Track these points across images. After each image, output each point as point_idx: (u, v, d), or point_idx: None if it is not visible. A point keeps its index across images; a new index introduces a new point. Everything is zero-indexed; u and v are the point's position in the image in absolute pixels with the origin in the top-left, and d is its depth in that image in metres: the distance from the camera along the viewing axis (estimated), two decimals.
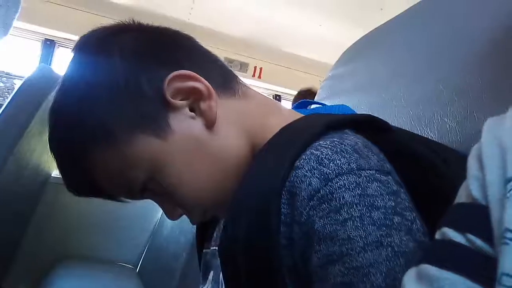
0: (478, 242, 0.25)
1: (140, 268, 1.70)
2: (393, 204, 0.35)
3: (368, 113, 0.44)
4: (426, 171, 0.40)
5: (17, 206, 1.33)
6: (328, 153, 0.37)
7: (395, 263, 0.32)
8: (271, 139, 0.43)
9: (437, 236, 0.28)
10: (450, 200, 0.37)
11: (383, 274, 0.32)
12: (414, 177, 0.39)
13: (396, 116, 0.58)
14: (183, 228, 1.28)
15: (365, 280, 0.32)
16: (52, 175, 1.60)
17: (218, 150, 0.45)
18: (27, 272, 1.53)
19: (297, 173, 0.37)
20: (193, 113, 0.45)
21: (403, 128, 0.47)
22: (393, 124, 0.47)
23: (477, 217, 0.26)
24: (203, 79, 0.45)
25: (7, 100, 1.15)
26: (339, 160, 0.36)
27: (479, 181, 0.27)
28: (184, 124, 0.44)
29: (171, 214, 0.48)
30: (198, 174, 0.45)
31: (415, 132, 0.46)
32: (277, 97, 3.58)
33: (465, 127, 0.49)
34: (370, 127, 0.43)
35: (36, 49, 2.82)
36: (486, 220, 0.25)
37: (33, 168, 1.34)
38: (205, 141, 0.45)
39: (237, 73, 0.52)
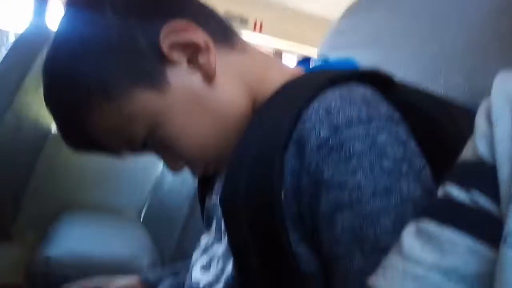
0: (482, 200, 0.25)
1: (143, 217, 1.75)
2: (402, 152, 0.36)
3: (379, 70, 0.43)
4: (432, 127, 0.40)
5: (19, 159, 1.35)
6: (337, 104, 0.37)
7: (403, 209, 0.33)
8: (273, 94, 0.43)
9: (440, 193, 0.28)
10: (457, 157, 0.37)
11: (392, 219, 0.33)
12: (420, 133, 0.39)
13: (402, 72, 0.57)
14: (185, 180, 1.30)
15: (374, 225, 0.33)
16: (52, 130, 1.61)
17: (218, 104, 0.45)
18: (34, 221, 1.58)
19: (305, 124, 0.37)
20: (191, 67, 0.44)
21: (410, 83, 0.46)
22: (398, 80, 0.46)
23: (483, 175, 0.26)
24: (200, 32, 0.43)
25: (2, 56, 1.13)
26: (349, 110, 0.36)
27: (487, 138, 0.26)
28: (183, 78, 0.44)
29: (172, 167, 0.48)
30: (198, 128, 0.45)
31: (423, 87, 0.45)
32: (278, 53, 3.49)
33: (473, 83, 0.48)
34: (376, 81, 0.42)
35: (29, 3, 2.71)
36: (492, 178, 0.25)
37: (32, 123, 1.33)
38: (205, 95, 0.44)
39: (236, 26, 0.50)
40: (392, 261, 0.27)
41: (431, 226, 0.26)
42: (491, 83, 0.30)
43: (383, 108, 0.38)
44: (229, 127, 0.45)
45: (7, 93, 1.04)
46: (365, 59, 0.65)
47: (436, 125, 0.40)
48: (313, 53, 0.58)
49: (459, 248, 0.24)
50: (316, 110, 0.37)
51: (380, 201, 0.33)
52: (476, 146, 0.27)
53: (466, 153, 0.29)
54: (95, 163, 1.67)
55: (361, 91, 0.39)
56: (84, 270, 1.10)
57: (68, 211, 1.56)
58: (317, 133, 0.36)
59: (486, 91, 0.30)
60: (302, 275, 0.37)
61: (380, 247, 0.33)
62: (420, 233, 0.26)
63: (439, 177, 0.35)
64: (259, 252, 0.38)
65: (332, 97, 0.38)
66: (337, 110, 0.36)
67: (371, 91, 0.40)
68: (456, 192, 0.26)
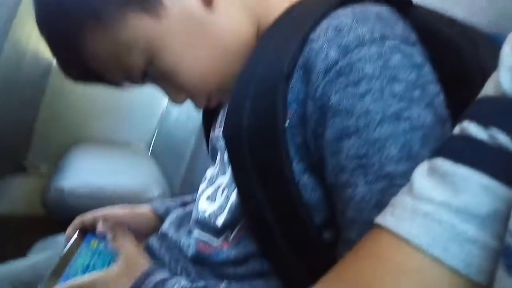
0: (501, 137, 0.23)
1: (152, 150, 1.78)
2: (416, 77, 0.33)
3: None
4: (450, 52, 0.37)
5: (24, 92, 1.34)
6: (347, 22, 0.34)
7: (412, 136, 0.32)
8: (278, 17, 0.40)
9: (456, 130, 0.26)
10: (476, 87, 0.35)
11: (399, 146, 0.32)
12: (437, 59, 0.36)
13: None
14: (190, 114, 1.30)
15: (381, 152, 0.32)
16: (54, 62, 1.57)
17: (218, 29, 0.42)
18: (46, 153, 1.62)
19: (312, 46, 0.34)
20: None
21: (430, 7, 0.42)
22: (418, 2, 0.42)
23: (504, 112, 0.24)
24: None
25: None
26: (361, 29, 0.34)
27: None
28: (179, 1, 0.41)
29: (174, 99, 0.47)
30: (198, 56, 0.42)
31: (443, 12, 0.42)
32: None
33: (497, 6, 0.44)
34: (393, 3, 0.39)
35: None
36: None
37: (32, 54, 1.30)
38: (204, 20, 0.42)
39: None
40: (402, 199, 0.26)
41: (445, 164, 0.24)
42: None
43: (399, 27, 0.35)
44: (231, 55, 0.43)
45: (1, 24, 1.00)
46: None
47: (455, 52, 0.37)
48: None
49: (473, 186, 0.23)
50: (324, 30, 0.34)
51: (388, 127, 0.32)
52: (500, 80, 0.24)
53: (488, 88, 0.26)
54: (102, 96, 1.66)
55: (376, 9, 0.36)
56: (96, 201, 1.14)
57: (78, 144, 1.59)
58: (325, 55, 0.34)
59: (510, 16, 0.27)
60: (305, 205, 0.37)
61: (384, 174, 0.32)
62: (433, 172, 0.25)
63: (453, 108, 0.34)
64: (262, 183, 0.38)
65: (343, 15, 0.35)
66: (348, 29, 0.34)
67: (387, 8, 0.37)
68: (474, 129, 0.24)
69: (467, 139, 0.25)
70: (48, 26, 0.43)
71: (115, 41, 0.41)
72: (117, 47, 0.41)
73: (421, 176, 0.26)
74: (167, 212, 0.63)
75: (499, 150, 0.23)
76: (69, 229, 0.62)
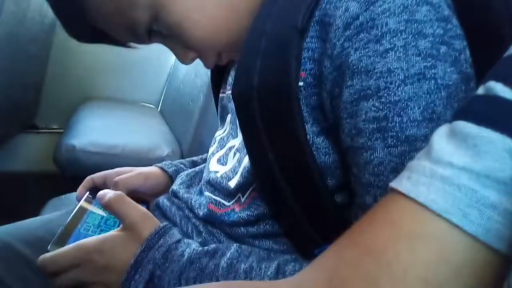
0: None
1: (161, 108, 1.77)
2: (442, 31, 0.31)
3: None
4: (480, 7, 0.34)
5: (29, 49, 1.32)
6: None
7: (436, 96, 0.30)
8: None
9: (480, 91, 0.24)
10: (504, 38, 0.32)
11: (421, 107, 0.30)
12: (463, 7, 0.33)
13: None
14: (198, 71, 1.27)
15: (402, 114, 0.30)
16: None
17: None
18: (56, 112, 1.62)
19: None
20: None
21: None
22: None
23: None
24: None
25: None
26: None
27: None
28: None
29: (182, 57, 0.45)
30: (206, 9, 0.40)
31: None
32: None
33: None
34: None
35: None
36: None
37: (35, 9, 1.26)
38: None
39: None
40: (419, 162, 0.24)
41: (467, 126, 0.23)
42: None
43: None
44: (240, 6, 0.41)
45: None
46: None
47: (484, 5, 0.34)
48: None
49: (497, 150, 0.21)
50: None
51: (411, 87, 0.30)
52: None
53: None
54: (109, 54, 1.64)
55: None
56: (107, 158, 1.15)
57: (87, 102, 1.58)
58: (345, 8, 0.31)
59: None
60: (319, 168, 0.36)
61: (404, 138, 0.30)
62: (454, 134, 0.23)
63: (480, 64, 0.32)
64: (274, 145, 0.37)
65: None
66: None
67: None
68: (500, 89, 0.22)
69: (492, 100, 0.23)
70: None
71: None
72: (121, 3, 0.39)
73: (440, 138, 0.24)
74: (177, 172, 0.63)
75: None
76: (80, 189, 0.63)
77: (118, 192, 0.47)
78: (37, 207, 0.89)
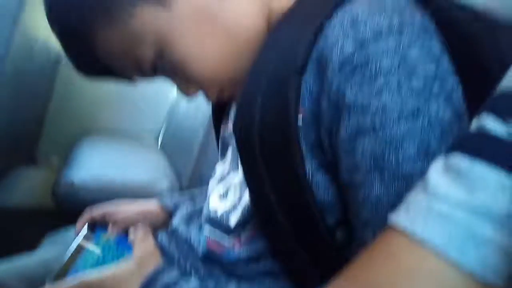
0: None
1: (161, 142, 1.78)
2: (434, 70, 0.32)
3: None
4: (469, 43, 0.35)
5: (34, 83, 1.34)
6: (364, 12, 0.32)
7: (430, 133, 0.30)
8: (290, 8, 0.39)
9: (474, 125, 0.25)
10: (494, 76, 0.33)
11: (416, 144, 0.30)
12: (455, 51, 0.34)
13: None
14: (200, 105, 1.29)
15: (397, 151, 0.30)
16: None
17: (228, 20, 0.41)
18: (56, 145, 1.63)
19: (326, 38, 0.33)
20: None
21: None
22: None
23: None
24: None
25: None
26: (378, 19, 0.32)
27: None
28: None
29: (185, 92, 0.46)
30: (208, 47, 0.41)
31: (463, 2, 0.40)
32: None
33: None
34: None
35: None
36: None
37: (42, 44, 1.30)
38: (214, 9, 0.40)
39: None
40: (416, 197, 0.25)
41: (461, 161, 0.23)
42: None
43: (417, 17, 0.33)
44: (241, 46, 0.42)
45: (10, 14, 1.00)
46: None
47: (474, 45, 0.35)
48: None
49: (490, 185, 0.22)
50: (340, 22, 0.33)
51: (406, 124, 0.30)
52: None
53: (508, 80, 0.25)
54: (111, 88, 1.66)
55: None
56: (106, 194, 1.15)
57: (88, 136, 1.59)
58: (340, 48, 0.32)
59: None
60: (318, 205, 0.36)
61: (401, 175, 0.30)
62: (449, 169, 0.24)
63: (471, 102, 0.32)
64: (274, 181, 0.37)
65: (359, 5, 0.33)
66: (365, 20, 0.32)
67: None
68: (492, 123, 0.23)
69: (485, 134, 0.23)
70: (59, 21, 0.42)
71: (125, 33, 0.40)
72: (128, 40, 0.40)
73: (436, 172, 0.25)
74: (176, 208, 0.62)
75: None
76: (79, 223, 0.62)
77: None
78: (34, 242, 0.87)
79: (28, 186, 1.47)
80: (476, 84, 0.33)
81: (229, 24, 0.41)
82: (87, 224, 0.61)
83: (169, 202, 0.64)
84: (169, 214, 0.63)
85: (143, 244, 0.47)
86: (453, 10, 0.38)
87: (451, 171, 0.23)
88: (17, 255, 0.60)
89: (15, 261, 0.58)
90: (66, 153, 1.44)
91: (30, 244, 0.84)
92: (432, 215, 0.23)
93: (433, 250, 0.22)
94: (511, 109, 0.23)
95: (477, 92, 0.29)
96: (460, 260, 0.21)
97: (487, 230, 0.21)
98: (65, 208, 1.14)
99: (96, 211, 0.63)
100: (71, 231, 0.66)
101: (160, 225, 0.62)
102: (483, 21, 0.37)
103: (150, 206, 0.64)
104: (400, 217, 0.24)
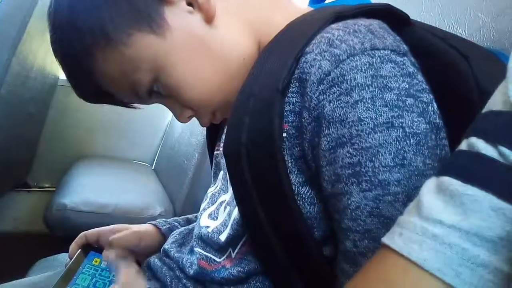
0: None
1: (155, 166, 1.78)
2: (407, 86, 0.34)
3: (391, 5, 0.40)
4: (444, 68, 0.37)
5: (28, 109, 1.35)
6: (339, 34, 0.35)
7: (405, 143, 0.32)
8: (275, 36, 0.41)
9: (463, 146, 0.25)
10: (471, 101, 0.35)
11: (392, 153, 0.32)
12: (431, 73, 0.36)
13: (423, 10, 0.52)
14: (194, 130, 1.30)
15: (373, 159, 0.32)
16: (60, 77, 1.59)
17: (220, 46, 0.43)
18: (49, 170, 1.62)
19: (306, 58, 0.35)
20: (190, 7, 0.42)
21: (431, 23, 0.43)
22: (418, 19, 0.43)
23: None
24: None
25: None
26: (352, 40, 0.34)
27: None
28: (182, 19, 0.42)
29: (180, 116, 0.48)
30: (201, 72, 0.43)
31: (444, 28, 0.42)
32: None
33: (501, 23, 0.44)
34: (387, 18, 0.40)
35: None
36: None
37: (39, 70, 1.31)
38: (206, 36, 0.42)
39: None
40: (410, 218, 0.25)
41: (453, 184, 0.24)
42: None
43: (390, 39, 0.36)
44: (233, 70, 0.44)
45: (10, 41, 1.01)
46: None
47: (448, 68, 0.37)
48: None
49: (483, 208, 0.22)
50: (317, 43, 0.35)
51: (381, 135, 0.32)
52: (508, 94, 0.23)
53: (495, 101, 0.25)
54: (105, 113, 1.67)
55: (367, 22, 0.37)
56: (98, 218, 1.14)
57: (81, 161, 1.59)
58: (318, 66, 0.34)
59: None
60: (305, 219, 0.37)
61: (378, 183, 0.32)
62: (441, 190, 0.24)
63: (451, 120, 0.34)
64: (262, 198, 0.37)
65: (335, 29, 0.36)
66: (340, 40, 0.34)
67: (378, 22, 0.38)
68: (482, 146, 0.23)
69: (475, 157, 0.24)
70: (62, 49, 0.44)
71: (123, 60, 0.42)
72: (125, 66, 0.42)
73: (429, 194, 0.25)
74: (170, 231, 0.62)
75: (510, 169, 0.22)
76: (72, 245, 0.62)
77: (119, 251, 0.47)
78: (25, 267, 0.86)
79: (20, 211, 1.45)
80: (454, 105, 0.35)
81: (221, 52, 0.43)
82: (80, 249, 0.60)
83: (164, 225, 0.64)
84: (164, 237, 0.62)
85: (127, 270, 0.47)
86: (430, 36, 0.40)
87: (444, 193, 0.24)
88: (8, 280, 0.59)
89: (6, 286, 0.57)
90: (59, 178, 1.43)
91: (22, 269, 0.83)
92: (427, 237, 0.23)
93: (428, 273, 0.22)
94: (500, 132, 0.23)
95: (455, 113, 0.31)
96: (455, 283, 0.22)
97: (482, 253, 0.22)
98: (57, 232, 1.12)
99: (90, 234, 0.63)
100: (62, 256, 0.65)
101: (155, 248, 0.62)
102: (456, 48, 0.39)
103: (146, 228, 0.64)
104: (395, 239, 0.25)
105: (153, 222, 0.65)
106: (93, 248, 0.62)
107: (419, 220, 0.24)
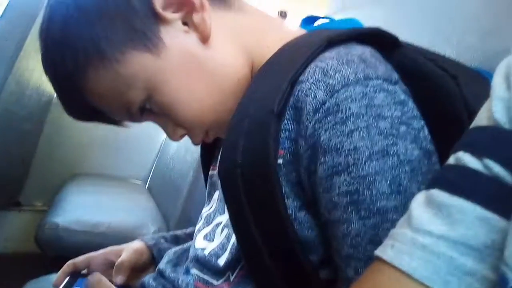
0: (497, 168, 0.23)
1: (149, 185, 1.77)
2: (400, 113, 0.35)
3: (382, 27, 0.41)
4: (433, 88, 0.38)
5: (23, 126, 1.35)
6: (333, 64, 0.36)
7: (400, 170, 0.33)
8: (270, 58, 0.42)
9: (451, 161, 0.26)
10: (461, 120, 0.36)
11: (388, 181, 0.32)
12: (421, 94, 0.37)
13: (412, 32, 0.54)
14: (189, 148, 1.30)
15: (371, 187, 0.32)
16: (55, 96, 1.59)
17: (215, 66, 0.44)
18: (41, 189, 1.60)
19: (301, 87, 0.36)
20: (186, 27, 0.43)
21: (420, 44, 0.44)
22: (408, 40, 0.44)
23: (498, 142, 0.24)
24: None
25: None
26: (345, 70, 0.35)
27: (505, 102, 0.24)
28: (178, 38, 0.42)
29: (172, 134, 0.48)
30: (195, 92, 0.44)
31: (432, 49, 0.43)
32: (283, 14, 3.38)
33: (487, 44, 0.45)
34: (377, 41, 0.41)
35: None
36: (509, 145, 0.23)
37: (34, 88, 1.32)
38: (201, 56, 0.43)
39: None
40: (401, 230, 0.26)
41: (441, 195, 0.25)
42: (508, 45, 0.27)
43: (381, 68, 0.37)
44: (226, 91, 0.44)
45: (6, 59, 1.02)
46: (374, 18, 0.62)
47: (438, 90, 0.38)
48: (320, 14, 0.55)
49: (469, 218, 0.23)
50: (312, 72, 0.36)
51: (377, 163, 0.33)
52: (492, 110, 0.25)
53: (481, 117, 0.27)
54: (100, 131, 1.67)
55: (359, 51, 0.38)
56: (91, 237, 1.12)
57: (74, 179, 1.57)
58: (314, 95, 0.35)
59: (501, 54, 0.28)
60: (302, 243, 0.37)
61: (376, 210, 0.32)
62: (430, 203, 0.25)
63: (441, 139, 0.35)
64: (258, 221, 0.38)
65: (329, 58, 0.36)
66: (334, 71, 0.35)
67: (370, 50, 0.39)
68: (468, 159, 0.25)
69: (462, 169, 0.25)
70: (52, 62, 0.44)
71: (117, 78, 0.42)
72: (119, 84, 0.42)
73: (418, 206, 0.26)
74: (157, 244, 0.62)
75: (494, 180, 0.23)
76: (59, 274, 0.60)
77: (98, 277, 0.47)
78: None
79: (10, 231, 1.43)
80: (444, 126, 0.36)
81: (216, 71, 0.44)
82: (68, 277, 0.59)
83: (149, 239, 0.64)
84: (150, 250, 0.62)
85: None
86: (419, 58, 0.41)
87: (433, 205, 0.25)
88: None
89: None
90: (52, 196, 1.42)
91: None
92: (416, 248, 0.24)
93: (419, 282, 0.23)
94: (484, 146, 0.25)
95: (446, 133, 0.31)
96: None
97: (469, 262, 0.23)
98: (49, 252, 1.11)
99: (80, 260, 0.62)
100: (53, 277, 0.63)
101: (144, 263, 0.61)
102: (445, 69, 0.40)
103: (137, 243, 0.63)
104: (387, 250, 0.26)
105: (140, 238, 0.65)
106: (81, 275, 0.60)
107: (409, 232, 0.25)
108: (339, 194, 0.34)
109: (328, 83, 0.35)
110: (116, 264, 0.58)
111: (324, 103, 0.34)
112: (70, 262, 0.61)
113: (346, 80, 0.34)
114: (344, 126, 0.33)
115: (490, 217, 0.23)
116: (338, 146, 0.33)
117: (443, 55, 0.43)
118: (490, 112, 0.25)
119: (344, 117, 0.34)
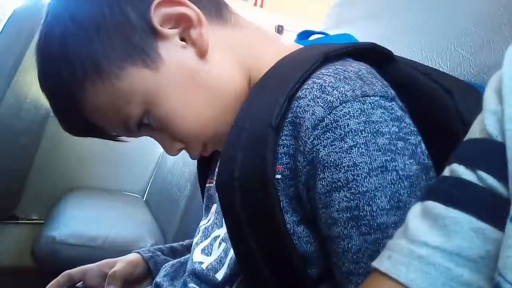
0: (490, 180, 0.24)
1: (146, 198, 1.76)
2: (397, 129, 0.35)
3: (377, 42, 0.42)
4: (428, 102, 0.39)
5: (20, 140, 1.34)
6: (331, 81, 0.36)
7: (399, 186, 0.33)
8: (267, 72, 0.42)
9: (446, 172, 0.27)
10: (456, 133, 0.36)
11: (388, 196, 0.33)
12: (416, 108, 0.38)
13: (407, 46, 0.55)
14: (186, 161, 1.30)
15: (371, 203, 0.33)
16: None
17: (212, 81, 0.44)
18: (38, 202, 1.59)
19: (299, 103, 0.36)
20: (183, 42, 0.43)
21: (413, 59, 0.45)
22: (402, 55, 0.45)
23: (491, 154, 0.25)
24: (192, 5, 0.42)
25: None
26: (343, 87, 0.36)
27: (497, 115, 0.25)
28: (175, 54, 0.43)
29: (169, 149, 0.48)
30: (193, 106, 0.44)
31: (426, 63, 0.44)
32: (280, 28, 3.42)
33: (480, 58, 0.46)
34: (372, 56, 0.41)
35: None
36: (501, 157, 0.24)
37: (32, 102, 1.32)
38: (198, 71, 0.43)
39: (237, 1, 0.48)
40: (397, 242, 0.26)
41: (436, 207, 0.25)
42: (500, 59, 0.28)
43: (378, 84, 0.37)
44: (224, 105, 0.44)
45: (5, 72, 1.03)
46: (369, 33, 0.64)
47: (432, 103, 0.39)
48: (316, 28, 0.56)
49: (464, 229, 0.24)
50: (310, 88, 0.36)
51: (376, 179, 0.33)
52: (484, 123, 0.25)
53: (474, 130, 0.27)
54: (97, 144, 1.66)
55: (355, 67, 0.38)
56: (88, 251, 1.11)
57: (71, 192, 1.57)
58: (312, 112, 0.35)
59: (493, 67, 0.29)
60: (301, 258, 0.37)
61: (377, 226, 0.33)
62: (426, 214, 0.26)
63: (437, 152, 0.35)
64: (256, 235, 0.38)
65: (326, 74, 0.37)
66: (332, 87, 0.36)
67: (366, 66, 0.39)
68: (462, 171, 0.25)
69: (456, 181, 0.25)
70: (49, 77, 0.44)
71: (115, 93, 0.42)
72: (117, 99, 0.42)
73: (414, 218, 0.26)
74: (153, 259, 0.62)
75: (488, 192, 0.24)
76: (53, 284, 0.59)
77: None
78: None
79: (6, 244, 1.41)
80: (439, 138, 0.36)
81: (214, 86, 0.44)
82: (63, 285, 0.59)
83: (146, 252, 0.64)
84: (147, 263, 0.62)
85: None
86: (413, 72, 0.42)
87: (428, 217, 0.25)
88: None
89: None
90: (48, 210, 1.41)
91: None
92: (413, 259, 0.24)
93: None
94: (477, 159, 0.25)
95: (441, 146, 0.32)
96: None
97: (465, 273, 0.23)
98: (45, 267, 1.10)
99: (75, 272, 0.61)
100: None
101: (146, 273, 0.61)
102: (440, 83, 0.41)
103: (133, 255, 0.63)
104: (384, 262, 0.26)
105: (137, 250, 0.65)
106: (77, 285, 0.60)
107: (406, 243, 0.25)
108: (338, 210, 0.34)
109: (326, 99, 0.35)
110: (109, 274, 0.58)
111: (322, 119, 0.35)
112: (65, 272, 0.61)
113: (344, 96, 0.35)
114: (343, 143, 0.34)
115: (485, 228, 0.23)
116: (337, 162, 0.34)
117: (437, 69, 0.44)
118: (483, 125, 0.26)
119: (343, 134, 0.34)
